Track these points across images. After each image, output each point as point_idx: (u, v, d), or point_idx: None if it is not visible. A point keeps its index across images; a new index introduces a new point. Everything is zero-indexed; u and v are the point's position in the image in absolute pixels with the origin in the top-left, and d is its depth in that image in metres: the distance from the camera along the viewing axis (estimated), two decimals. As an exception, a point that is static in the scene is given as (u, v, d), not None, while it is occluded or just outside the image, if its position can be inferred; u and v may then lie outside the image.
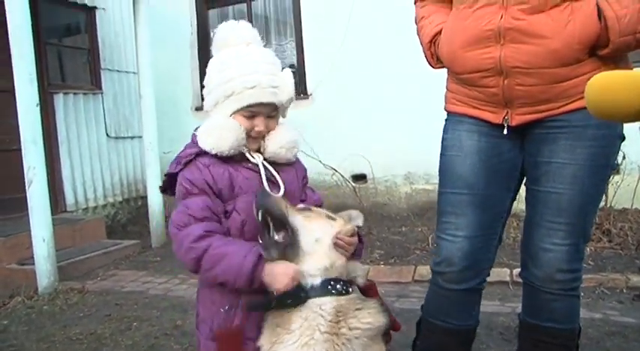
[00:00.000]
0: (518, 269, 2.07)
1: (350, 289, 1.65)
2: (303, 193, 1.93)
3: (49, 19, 6.19)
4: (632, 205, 4.96)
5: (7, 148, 5.44)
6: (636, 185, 4.88)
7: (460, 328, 2.07)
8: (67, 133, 6.19)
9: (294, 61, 6.98)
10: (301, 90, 6.80)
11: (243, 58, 1.76)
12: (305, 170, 1.98)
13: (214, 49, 1.84)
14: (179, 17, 7.14)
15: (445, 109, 2.08)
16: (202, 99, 1.88)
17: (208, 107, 1.82)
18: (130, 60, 6.95)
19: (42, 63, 5.76)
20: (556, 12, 1.70)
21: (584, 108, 1.71)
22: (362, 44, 6.33)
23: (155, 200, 5.93)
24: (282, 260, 1.63)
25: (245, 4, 7.17)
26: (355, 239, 1.73)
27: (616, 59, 1.76)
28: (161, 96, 6.24)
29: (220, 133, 1.72)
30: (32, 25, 4.52)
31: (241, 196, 1.74)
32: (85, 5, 6.50)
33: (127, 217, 6.98)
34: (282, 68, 1.85)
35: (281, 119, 1.88)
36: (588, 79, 1.70)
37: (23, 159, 4.46)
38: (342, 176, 6.21)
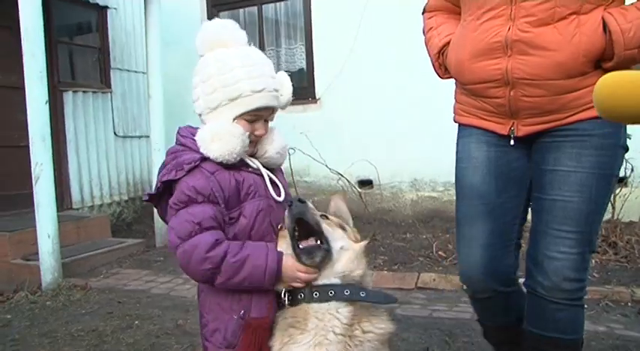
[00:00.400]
0: (523, 279, 2.06)
1: (362, 295, 1.68)
2: None
3: (61, 18, 6.24)
4: (639, 218, 4.93)
5: (15, 145, 5.48)
6: (644, 198, 4.85)
7: (508, 324, 2.13)
8: (75, 131, 6.23)
9: (304, 65, 7.00)
10: (310, 94, 6.81)
11: (245, 58, 1.71)
12: (282, 170, 1.99)
13: (204, 48, 1.75)
14: (190, 19, 7.17)
15: (454, 121, 2.12)
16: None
17: (204, 110, 1.73)
18: (140, 60, 7.00)
19: (52, 61, 5.80)
20: (563, 25, 1.72)
21: (590, 119, 1.77)
22: (372, 50, 6.33)
23: (161, 200, 5.92)
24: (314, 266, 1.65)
25: (256, 7, 7.19)
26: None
27: None
28: (169, 97, 6.26)
29: (227, 140, 1.65)
30: (44, 23, 4.56)
31: (248, 201, 1.72)
32: (96, 4, 6.56)
33: (132, 216, 7.00)
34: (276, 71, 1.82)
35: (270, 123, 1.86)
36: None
37: (31, 155, 4.49)
38: (348, 181, 6.21)
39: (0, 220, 5.31)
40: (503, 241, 2.01)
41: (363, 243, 1.77)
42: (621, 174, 4.58)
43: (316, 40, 6.82)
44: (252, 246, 1.67)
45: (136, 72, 7.10)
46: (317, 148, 5.97)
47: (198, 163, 1.67)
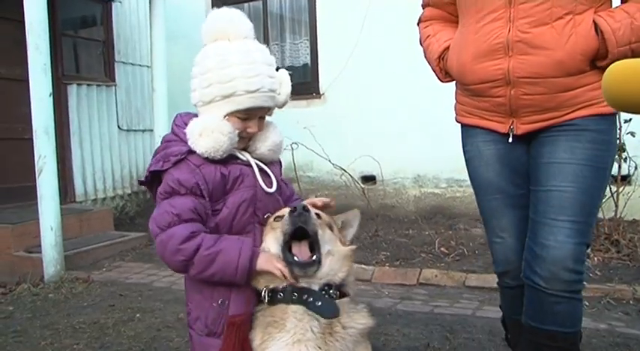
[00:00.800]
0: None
1: (340, 295, 1.72)
2: None
3: (66, 11, 6.24)
4: (642, 217, 4.93)
5: (19, 137, 5.50)
6: (647, 196, 4.83)
7: None
8: (79, 124, 6.24)
9: (308, 60, 7.00)
10: (314, 89, 6.81)
11: (245, 56, 1.70)
12: (281, 163, 1.99)
13: (207, 38, 1.75)
14: (195, 12, 7.16)
15: (456, 121, 2.20)
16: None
17: (198, 102, 1.75)
18: (145, 53, 7.00)
19: (57, 54, 5.81)
20: (560, 25, 1.80)
21: (585, 117, 1.84)
22: (376, 45, 6.32)
23: (163, 194, 5.94)
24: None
25: (261, 2, 7.18)
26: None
27: None
28: (174, 90, 6.24)
29: (215, 136, 1.66)
30: (49, 16, 4.56)
31: (233, 192, 1.74)
32: (101, -3, 6.55)
33: (135, 209, 7.02)
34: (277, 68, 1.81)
35: (268, 118, 1.86)
36: (590, 90, 1.82)
37: (34, 148, 4.50)
38: (351, 177, 6.20)
39: (3, 212, 5.33)
40: None
41: (350, 247, 1.80)
42: (624, 172, 4.63)
43: (321, 35, 6.81)
44: (226, 241, 1.68)
45: (140, 65, 7.10)
46: (320, 144, 5.95)
47: (184, 156, 1.70)
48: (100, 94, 6.56)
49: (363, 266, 4.44)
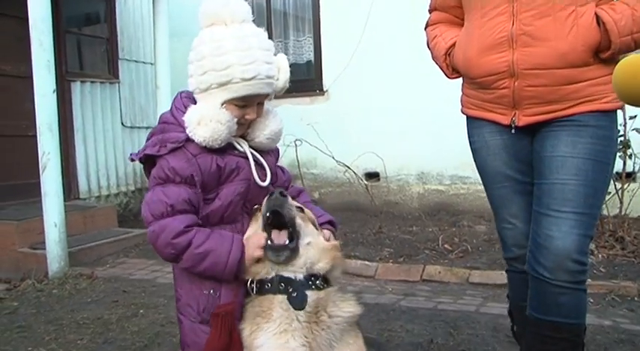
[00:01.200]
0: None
1: (326, 285, 1.74)
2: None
3: (70, 8, 6.25)
4: (647, 214, 4.91)
5: (23, 134, 5.50)
6: (652, 193, 4.81)
7: None
8: (82, 121, 6.24)
9: (312, 57, 6.99)
10: (317, 86, 6.80)
11: (241, 42, 1.67)
12: (279, 151, 1.98)
13: (203, 22, 1.73)
14: (198, 9, 7.15)
15: (462, 112, 2.23)
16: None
17: (195, 89, 1.73)
18: (148, 50, 6.99)
19: (61, 51, 5.82)
20: (562, 16, 1.84)
21: (587, 112, 1.87)
22: (380, 42, 6.31)
23: (167, 191, 5.95)
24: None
25: (264, -1, 7.17)
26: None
27: None
28: (177, 87, 6.21)
29: (213, 126, 1.65)
30: (52, 13, 4.56)
31: (227, 183, 1.73)
32: (105, -5, 6.56)
33: (138, 206, 7.00)
34: (275, 54, 1.79)
35: (267, 103, 1.84)
36: (592, 85, 1.85)
37: (38, 145, 4.51)
38: (354, 174, 6.20)
39: (7, 208, 5.35)
40: None
41: (333, 243, 1.83)
42: (629, 169, 4.62)
43: (324, 32, 6.80)
44: (217, 239, 1.68)
45: (143, 63, 7.10)
46: (324, 140, 5.95)
47: (182, 144, 1.68)
48: (104, 91, 6.56)
49: (366, 263, 4.45)
